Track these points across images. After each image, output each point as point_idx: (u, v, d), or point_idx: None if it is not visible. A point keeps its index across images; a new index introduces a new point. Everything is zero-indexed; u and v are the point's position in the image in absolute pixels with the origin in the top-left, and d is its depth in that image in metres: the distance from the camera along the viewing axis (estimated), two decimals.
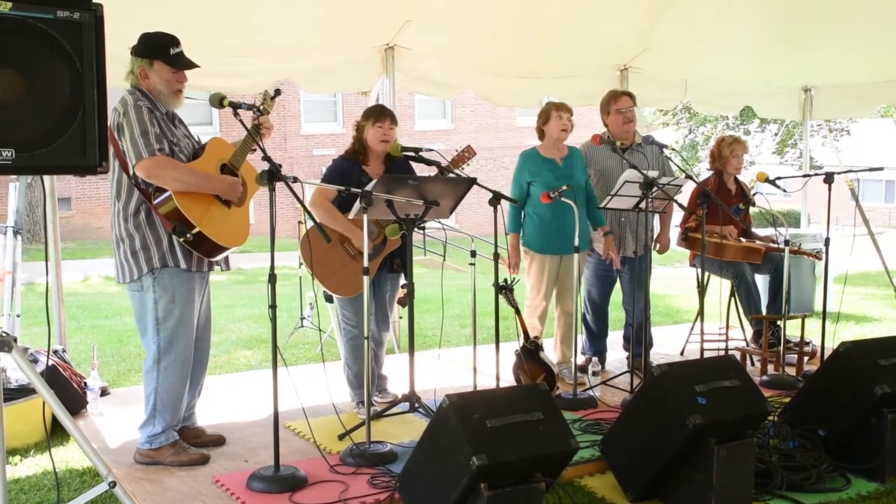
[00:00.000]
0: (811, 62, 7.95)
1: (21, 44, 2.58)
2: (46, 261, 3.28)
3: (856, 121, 22.02)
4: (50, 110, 2.66)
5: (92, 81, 2.71)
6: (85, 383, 5.02)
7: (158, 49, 3.89)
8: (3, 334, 2.85)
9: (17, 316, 5.22)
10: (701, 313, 5.40)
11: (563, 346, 5.63)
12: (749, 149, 6.89)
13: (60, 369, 4.86)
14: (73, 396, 4.83)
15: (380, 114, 4.77)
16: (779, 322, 5.82)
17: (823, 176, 5.49)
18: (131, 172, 3.80)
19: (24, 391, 4.46)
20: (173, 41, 3.91)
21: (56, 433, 4.57)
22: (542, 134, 5.48)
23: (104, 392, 5.19)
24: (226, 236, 3.93)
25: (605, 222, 5.55)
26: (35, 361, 4.70)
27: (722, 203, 5.48)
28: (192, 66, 3.98)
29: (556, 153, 5.43)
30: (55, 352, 5.16)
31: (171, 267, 3.92)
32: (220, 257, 4.06)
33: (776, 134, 23.70)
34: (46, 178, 5.21)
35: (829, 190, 5.46)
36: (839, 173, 5.72)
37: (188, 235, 3.80)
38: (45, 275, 3.41)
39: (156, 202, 3.82)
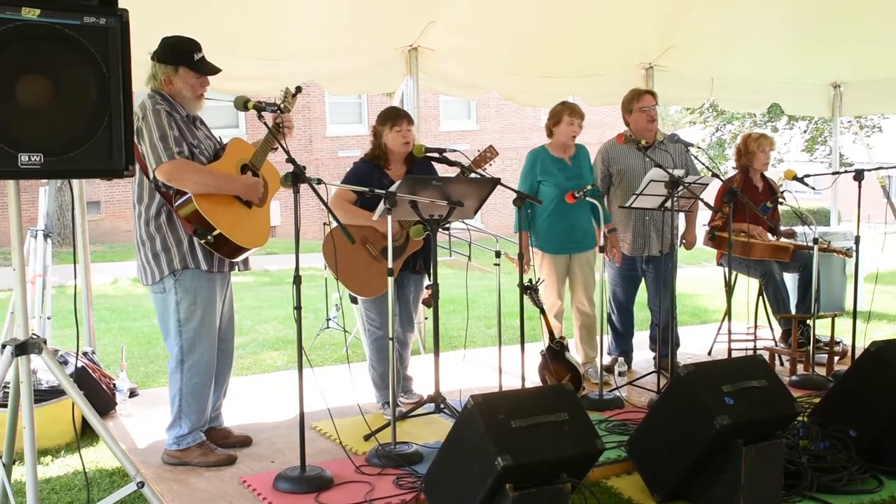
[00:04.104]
0: (840, 57, 7.85)
1: (49, 50, 2.62)
2: (75, 263, 3.31)
3: (887, 117, 21.73)
4: (77, 115, 2.70)
5: (118, 86, 2.75)
6: (114, 384, 5.07)
7: (183, 55, 3.91)
8: (34, 336, 2.89)
9: (48, 318, 5.28)
10: (728, 313, 5.35)
11: (584, 346, 5.61)
12: (776, 145, 6.80)
13: (90, 371, 4.92)
14: (102, 398, 4.88)
15: (395, 117, 4.75)
16: (808, 321, 5.75)
17: (853, 173, 5.43)
18: (151, 176, 3.83)
19: (55, 392, 4.51)
20: (196, 46, 3.93)
21: (86, 434, 4.62)
22: (550, 133, 5.46)
23: (132, 393, 5.24)
24: (246, 237, 3.94)
25: (609, 219, 5.51)
26: (65, 363, 4.75)
27: (749, 201, 5.43)
28: (215, 71, 4.00)
29: (565, 152, 5.43)
30: (84, 353, 5.22)
31: (191, 269, 3.93)
32: (241, 258, 4.08)
33: (805, 131, 23.45)
34: (75, 181, 5.28)
35: (860, 187, 5.39)
36: (869, 170, 5.64)
37: (209, 237, 3.81)
38: (74, 277, 3.45)
39: (176, 205, 3.84)
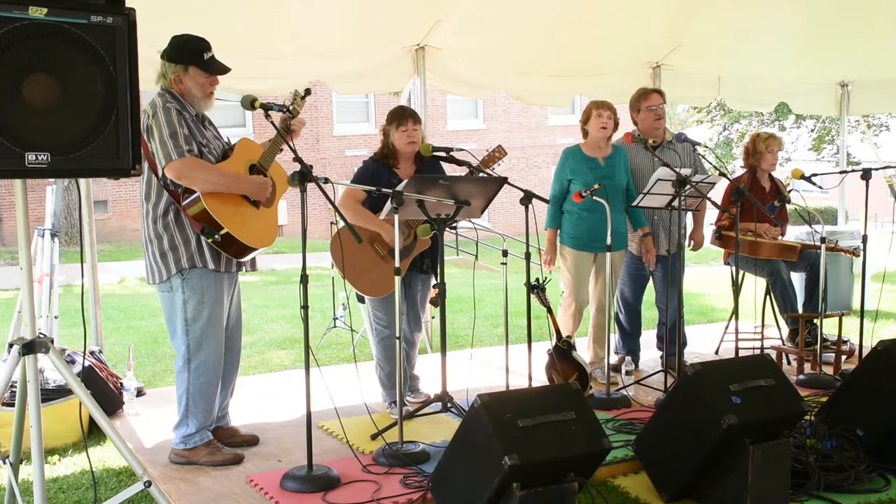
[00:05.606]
0: (848, 57, 7.83)
1: (56, 49, 2.61)
2: (82, 263, 3.31)
3: (895, 116, 21.67)
4: (84, 114, 2.69)
5: (125, 85, 2.74)
6: (121, 384, 5.09)
7: (193, 54, 3.92)
8: (41, 335, 2.89)
9: (55, 317, 5.29)
10: (735, 312, 5.34)
11: (596, 346, 5.60)
12: (784, 146, 6.79)
13: (97, 370, 4.93)
14: (109, 397, 4.89)
15: (401, 116, 4.74)
16: (815, 320, 5.74)
17: (861, 172, 5.42)
18: (160, 174, 3.84)
19: (62, 391, 4.52)
20: (205, 45, 3.94)
21: (93, 433, 4.63)
22: (585, 133, 5.46)
23: (140, 392, 5.25)
24: (254, 237, 3.94)
25: (646, 223, 5.50)
26: (72, 362, 4.76)
27: (756, 201, 5.42)
28: (225, 70, 4.00)
29: (599, 152, 5.40)
30: (91, 352, 5.23)
31: (199, 268, 3.94)
32: (248, 258, 4.08)
33: (812, 130, 23.40)
34: (82, 180, 5.29)
35: (867, 186, 5.38)
36: (877, 169, 5.64)
37: (216, 236, 3.81)
38: (81, 276, 3.45)
39: (184, 203, 3.85)
